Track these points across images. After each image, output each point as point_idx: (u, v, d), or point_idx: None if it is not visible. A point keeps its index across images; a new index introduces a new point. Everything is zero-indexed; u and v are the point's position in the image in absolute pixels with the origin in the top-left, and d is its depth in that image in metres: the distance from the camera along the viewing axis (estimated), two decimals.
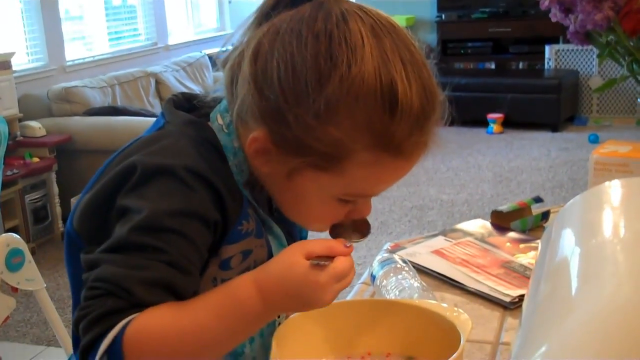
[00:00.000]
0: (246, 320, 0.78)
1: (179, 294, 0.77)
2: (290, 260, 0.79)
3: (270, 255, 0.90)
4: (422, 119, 0.81)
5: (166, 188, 0.79)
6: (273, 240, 0.90)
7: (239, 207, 0.85)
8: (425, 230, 4.05)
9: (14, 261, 2.13)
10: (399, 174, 0.85)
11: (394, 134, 0.79)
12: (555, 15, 1.66)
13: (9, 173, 3.88)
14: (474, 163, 5.43)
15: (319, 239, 0.81)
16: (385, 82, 0.78)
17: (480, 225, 1.61)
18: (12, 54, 4.26)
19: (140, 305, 0.74)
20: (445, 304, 0.99)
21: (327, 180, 0.82)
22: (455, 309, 0.97)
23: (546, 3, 1.63)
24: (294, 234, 0.96)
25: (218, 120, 0.88)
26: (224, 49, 0.89)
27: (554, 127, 6.26)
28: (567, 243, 0.56)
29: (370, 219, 3.62)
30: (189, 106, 0.93)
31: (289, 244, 0.92)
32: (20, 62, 4.68)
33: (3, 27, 4.68)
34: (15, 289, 2.19)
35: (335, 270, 0.78)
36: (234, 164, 0.86)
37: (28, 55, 4.90)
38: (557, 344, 0.39)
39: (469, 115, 6.51)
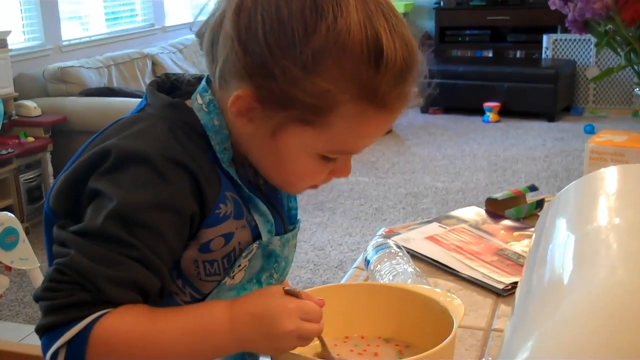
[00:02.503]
0: (211, 342, 0.80)
1: (146, 292, 0.79)
2: (268, 289, 0.85)
3: (255, 235, 0.89)
4: (405, 72, 0.82)
5: (141, 177, 0.79)
6: (258, 218, 0.90)
7: (216, 191, 0.84)
8: (420, 218, 4.05)
9: (8, 240, 2.13)
10: (382, 127, 0.85)
11: (379, 85, 0.80)
12: (555, 3, 1.66)
13: (3, 152, 3.87)
14: (469, 151, 5.43)
15: None
16: (371, 35, 0.79)
17: (474, 213, 1.61)
18: (8, 32, 4.24)
19: (108, 303, 0.76)
20: (439, 290, 1.00)
21: (312, 136, 0.82)
22: (449, 294, 0.97)
23: None
24: (280, 210, 0.96)
25: (198, 100, 0.87)
26: (199, 18, 0.89)
27: (550, 117, 6.26)
28: (561, 229, 0.56)
29: (364, 205, 3.66)
30: (172, 87, 0.93)
31: (275, 221, 0.92)
32: (16, 41, 4.66)
33: (0, 6, 4.66)
34: (9, 268, 2.20)
35: (304, 305, 0.82)
36: (216, 143, 0.86)
37: (24, 34, 4.87)
38: (551, 327, 0.39)
39: (465, 103, 6.52)
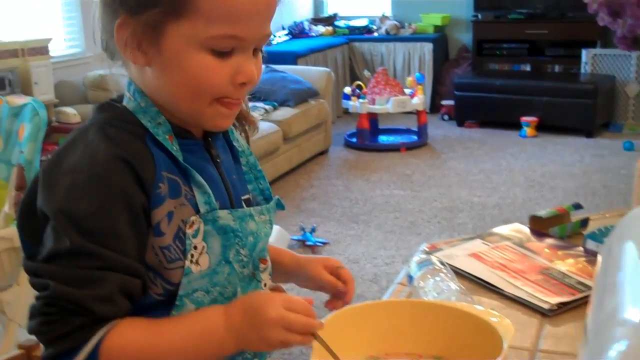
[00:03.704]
0: (213, 342, 0.86)
1: (132, 294, 0.84)
2: (258, 291, 0.92)
3: (196, 210, 0.90)
4: None
5: (79, 186, 0.83)
6: (196, 190, 0.91)
7: (152, 171, 0.87)
8: (455, 232, 4.02)
9: None
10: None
11: None
12: (603, 19, 1.63)
13: (42, 158, 3.91)
14: (506, 166, 5.37)
15: None
16: None
17: (517, 230, 1.59)
18: (50, 39, 4.30)
19: (103, 319, 0.81)
20: (486, 309, 0.98)
21: (188, 25, 0.85)
22: (497, 313, 0.96)
23: (594, 6, 1.61)
24: (229, 183, 0.98)
25: (126, 94, 0.94)
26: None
27: (589, 133, 6.18)
28: (630, 256, 0.55)
29: (399, 219, 3.65)
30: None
31: (219, 194, 0.93)
32: (58, 49, 4.72)
33: (42, 14, 4.72)
34: None
35: (289, 297, 0.87)
36: (147, 121, 0.90)
37: (65, 42, 4.94)
38: (632, 357, 0.38)
39: (502, 117, 6.46)
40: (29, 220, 0.88)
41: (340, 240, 3.99)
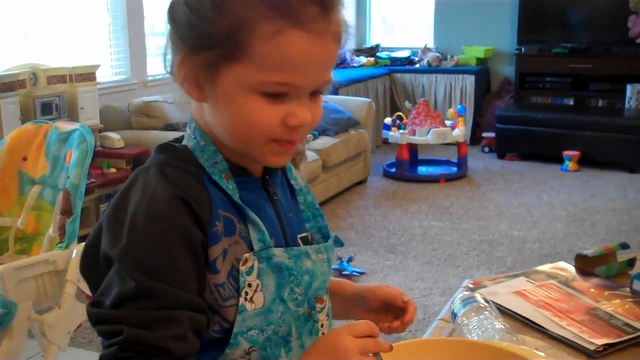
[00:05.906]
0: None
1: (200, 331, 0.86)
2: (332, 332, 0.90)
3: (250, 247, 0.91)
4: None
5: (141, 227, 0.84)
6: (251, 228, 0.91)
7: (209, 210, 0.88)
8: (494, 266, 3.97)
9: None
10: (305, 49, 0.85)
11: None
12: None
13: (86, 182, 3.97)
14: (547, 200, 5.31)
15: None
16: None
17: (562, 268, 1.56)
18: (98, 66, 4.39)
19: (180, 358, 0.82)
20: (531, 348, 0.97)
21: (242, 69, 0.85)
22: (542, 354, 0.94)
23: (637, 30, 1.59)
24: (284, 221, 0.98)
25: (187, 131, 0.95)
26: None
27: (632, 168, 6.08)
28: None
29: (437, 250, 3.63)
30: None
31: (274, 232, 0.94)
32: (104, 75, 4.81)
33: (91, 41, 4.83)
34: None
35: (350, 324, 0.86)
36: (204, 160, 0.91)
37: (112, 69, 5.03)
38: None
39: (543, 150, 6.40)
40: (92, 264, 0.89)
41: (377, 270, 3.96)
